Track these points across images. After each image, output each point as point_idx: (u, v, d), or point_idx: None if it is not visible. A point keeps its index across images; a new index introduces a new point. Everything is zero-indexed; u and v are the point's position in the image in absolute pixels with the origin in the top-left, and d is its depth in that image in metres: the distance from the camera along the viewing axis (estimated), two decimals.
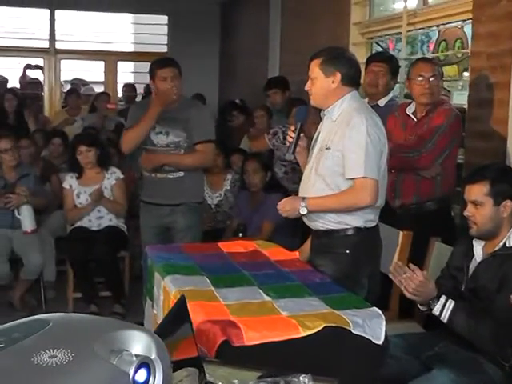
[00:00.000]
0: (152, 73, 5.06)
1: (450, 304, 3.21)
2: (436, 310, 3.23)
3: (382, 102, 5.22)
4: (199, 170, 5.35)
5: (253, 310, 2.98)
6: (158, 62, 5.12)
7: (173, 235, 5.22)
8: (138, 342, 1.41)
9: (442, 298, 3.22)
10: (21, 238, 5.92)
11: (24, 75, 11.28)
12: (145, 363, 1.38)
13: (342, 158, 3.55)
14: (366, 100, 5.23)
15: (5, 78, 11.36)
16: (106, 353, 1.35)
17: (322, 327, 2.78)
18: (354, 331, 2.84)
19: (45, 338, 1.41)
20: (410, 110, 4.73)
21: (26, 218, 5.92)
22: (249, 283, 3.40)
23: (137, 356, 1.37)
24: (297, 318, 2.85)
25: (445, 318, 3.21)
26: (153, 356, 1.41)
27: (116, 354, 1.35)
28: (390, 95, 5.38)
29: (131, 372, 1.34)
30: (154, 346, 1.42)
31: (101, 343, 1.37)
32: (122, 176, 6.20)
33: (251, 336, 2.74)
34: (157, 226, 5.25)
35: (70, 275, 6.04)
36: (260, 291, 3.25)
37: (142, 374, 1.38)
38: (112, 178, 6.17)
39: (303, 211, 3.63)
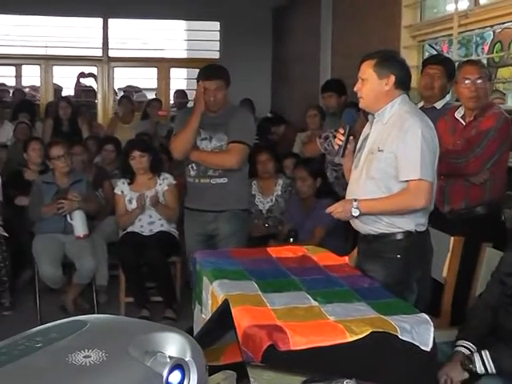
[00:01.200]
0: (198, 80, 5.08)
1: (486, 354, 3.07)
2: (480, 370, 3.07)
3: (438, 105, 5.12)
4: (243, 175, 5.32)
5: (300, 315, 2.96)
6: (204, 72, 5.10)
7: (216, 242, 5.18)
8: (173, 344, 1.41)
9: (475, 356, 3.09)
10: (73, 242, 5.99)
11: (78, 83, 11.46)
12: (179, 365, 1.37)
13: (395, 160, 3.50)
14: (422, 103, 5.17)
15: (60, 86, 11.58)
16: (140, 354, 1.34)
17: (368, 332, 2.75)
18: (401, 337, 2.79)
19: (81, 338, 1.41)
20: (458, 114, 4.64)
21: (78, 223, 5.98)
22: (297, 288, 3.38)
23: (171, 358, 1.36)
24: (344, 323, 2.82)
25: (492, 369, 3.05)
26: (187, 358, 1.40)
27: (150, 355, 1.35)
28: (447, 98, 5.28)
29: (165, 374, 1.34)
30: (188, 348, 1.41)
31: (135, 344, 1.36)
32: (174, 182, 6.22)
33: (297, 341, 2.71)
34: (200, 232, 5.21)
35: (122, 280, 6.07)
36: (308, 296, 3.23)
37: (175, 376, 1.37)
38: (164, 184, 6.19)
39: (355, 213, 3.58)
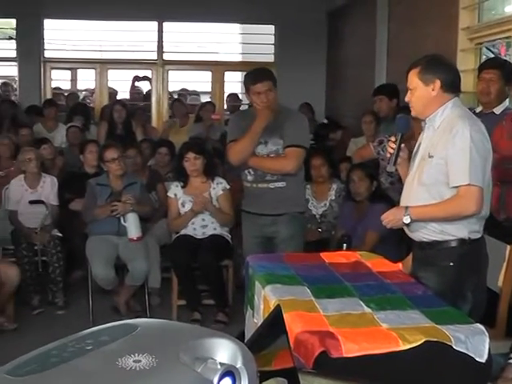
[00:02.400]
0: (246, 86, 5.06)
1: None
2: None
3: (497, 110, 5.00)
4: (300, 178, 5.30)
5: (352, 322, 2.93)
6: (251, 76, 5.07)
7: (275, 245, 5.18)
8: (224, 351, 1.39)
9: None
10: (126, 244, 6.03)
11: (133, 86, 11.55)
12: (230, 372, 1.35)
13: (446, 166, 3.45)
14: (480, 108, 5.08)
15: (114, 89, 11.69)
16: (190, 360, 1.33)
17: (422, 341, 2.70)
18: (455, 347, 2.73)
19: (131, 342, 1.41)
20: None
21: (132, 225, 6.02)
22: (350, 294, 3.35)
23: (222, 364, 1.35)
24: (397, 331, 2.77)
25: None
26: (238, 365, 1.38)
27: (201, 361, 1.34)
28: (507, 102, 5.14)
29: (215, 380, 1.32)
30: (239, 354, 1.39)
31: (186, 350, 1.35)
32: (228, 186, 6.21)
33: (350, 348, 2.68)
34: (259, 235, 5.22)
35: (175, 282, 6.08)
36: (361, 302, 3.20)
37: (226, 383, 1.35)
38: (218, 188, 6.18)
39: (407, 220, 3.54)
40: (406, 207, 3.58)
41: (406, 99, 3.68)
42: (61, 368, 1.38)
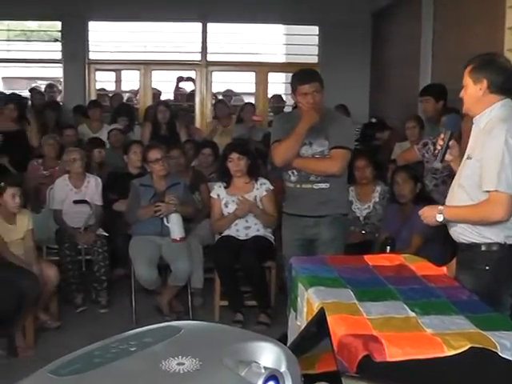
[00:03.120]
0: (293, 86, 5.03)
1: None
2: None
3: None
4: (344, 180, 5.27)
5: (396, 326, 2.90)
6: (299, 77, 5.04)
7: (316, 247, 5.14)
8: (268, 354, 1.38)
9: None
10: (169, 245, 6.05)
11: (177, 87, 11.60)
12: (273, 376, 1.34)
13: (481, 168, 3.41)
14: None
15: (158, 90, 11.75)
16: (234, 363, 1.32)
17: (467, 348, 2.66)
18: (501, 354, 2.68)
19: (175, 344, 1.40)
20: None
21: (175, 226, 6.04)
22: (394, 298, 3.31)
23: (266, 368, 1.33)
24: (442, 337, 2.73)
25: None
26: (282, 369, 1.37)
27: (244, 365, 1.32)
28: None
29: None
30: (284, 358, 1.38)
31: (230, 353, 1.34)
32: (271, 187, 6.20)
33: (393, 352, 2.65)
34: (300, 238, 5.17)
35: (218, 283, 6.09)
36: (405, 306, 3.16)
37: None
38: (262, 189, 6.17)
39: (439, 218, 3.54)
40: (441, 206, 3.57)
41: (460, 95, 3.66)
42: (104, 369, 1.38)
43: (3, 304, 4.90)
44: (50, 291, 5.83)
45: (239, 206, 6.03)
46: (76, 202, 6.65)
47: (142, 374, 1.31)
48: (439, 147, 3.72)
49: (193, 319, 5.85)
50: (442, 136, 3.73)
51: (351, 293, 3.35)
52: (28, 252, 5.73)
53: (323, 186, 5.03)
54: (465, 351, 2.65)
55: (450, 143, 3.71)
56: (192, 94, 11.75)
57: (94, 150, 7.63)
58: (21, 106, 8.46)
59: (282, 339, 2.00)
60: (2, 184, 5.64)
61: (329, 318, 2.69)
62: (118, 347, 1.43)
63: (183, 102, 11.36)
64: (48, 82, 12.86)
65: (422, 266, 3.96)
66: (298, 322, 3.62)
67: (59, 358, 1.50)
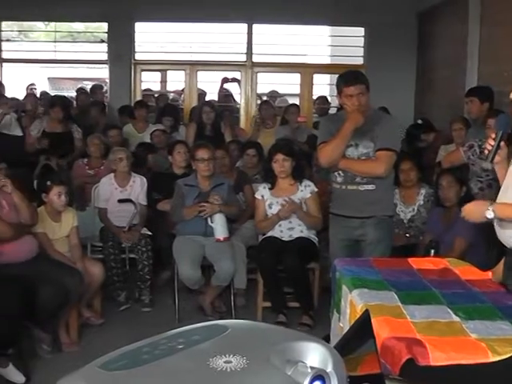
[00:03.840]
0: (338, 88, 5.03)
1: None
2: None
3: None
4: (390, 182, 5.25)
5: (440, 330, 2.89)
6: (344, 79, 5.03)
7: (362, 248, 5.15)
8: (315, 354, 1.38)
9: None
10: (213, 245, 6.08)
11: (221, 88, 11.63)
12: (320, 376, 1.35)
13: None
14: None
15: (203, 91, 11.79)
16: (281, 362, 1.33)
17: None
18: None
19: (222, 342, 1.41)
20: None
21: (219, 226, 6.07)
22: (437, 301, 3.30)
23: (312, 368, 1.34)
24: (486, 342, 2.71)
25: None
26: (328, 369, 1.37)
27: (291, 364, 1.33)
28: None
29: None
30: (330, 359, 1.38)
31: (277, 352, 1.35)
32: (316, 189, 6.20)
33: (437, 356, 2.64)
34: (346, 238, 5.19)
35: (260, 284, 6.10)
36: (449, 310, 3.15)
37: None
38: (306, 191, 6.17)
39: (489, 215, 3.43)
40: (492, 202, 3.49)
41: (510, 97, 3.60)
42: (152, 365, 1.39)
43: (48, 301, 4.97)
44: (95, 288, 5.90)
45: (283, 208, 6.04)
46: (121, 201, 6.71)
47: (189, 371, 1.33)
48: (490, 147, 3.66)
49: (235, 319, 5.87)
50: (492, 136, 3.68)
51: (395, 295, 3.35)
52: (73, 249, 5.80)
53: (369, 187, 5.03)
54: (510, 357, 2.62)
55: (501, 144, 3.66)
56: (237, 94, 11.77)
57: (148, 154, 7.68)
58: (66, 107, 8.55)
59: (324, 341, 1.99)
60: (48, 183, 5.72)
61: (372, 321, 2.68)
62: (166, 344, 1.45)
63: (228, 103, 11.38)
64: (94, 82, 12.99)
65: (466, 271, 3.94)
66: (341, 324, 3.62)
67: (108, 353, 1.52)
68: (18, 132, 8.57)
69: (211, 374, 1.30)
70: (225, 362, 1.31)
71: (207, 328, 1.50)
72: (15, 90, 11.27)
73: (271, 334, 1.49)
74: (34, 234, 5.46)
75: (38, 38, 14.11)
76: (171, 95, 12.42)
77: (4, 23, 12.10)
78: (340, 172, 5.10)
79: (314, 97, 11.73)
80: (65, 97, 9.86)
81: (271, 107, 9.83)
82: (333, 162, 5.04)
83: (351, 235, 5.17)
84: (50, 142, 8.12)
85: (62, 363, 5.05)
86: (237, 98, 11.77)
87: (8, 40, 12.33)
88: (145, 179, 6.90)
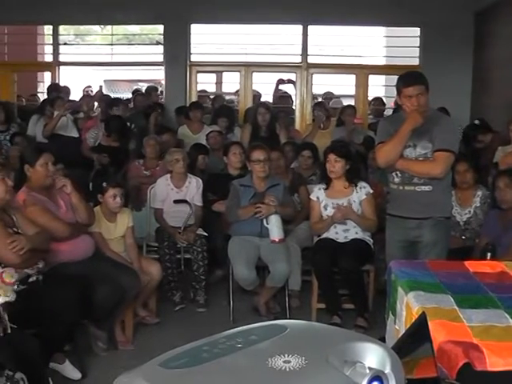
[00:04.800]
0: (398, 89, 5.01)
1: None
2: None
3: None
4: (447, 183, 5.21)
5: (497, 335, 2.86)
6: (404, 79, 5.01)
7: (418, 250, 5.10)
8: (373, 355, 1.39)
9: None
10: (268, 246, 6.09)
11: (277, 89, 11.64)
12: (378, 377, 1.35)
13: None
14: None
15: (258, 92, 11.81)
16: (339, 363, 1.34)
17: None
18: None
19: (281, 342, 1.43)
20: None
21: (274, 227, 6.07)
22: (494, 305, 3.27)
23: (370, 369, 1.35)
24: None
25: None
26: (387, 370, 1.38)
27: (349, 365, 1.34)
28: None
29: None
30: (388, 360, 1.39)
31: (335, 353, 1.36)
32: (371, 191, 6.17)
33: (494, 361, 2.61)
34: (402, 239, 5.16)
35: (315, 285, 6.09)
36: (506, 315, 3.12)
37: None
38: (361, 193, 6.14)
39: None
40: None
41: None
42: (211, 364, 1.41)
43: (104, 299, 5.04)
44: (153, 287, 5.95)
45: (336, 214, 6.02)
46: (176, 201, 6.77)
47: (248, 370, 1.34)
48: None
49: None
50: None
51: (451, 299, 3.33)
52: (128, 249, 5.87)
53: (426, 188, 5.00)
54: None
55: None
56: (291, 96, 11.75)
57: (198, 155, 7.75)
58: (122, 132, 8.64)
59: None
60: (104, 184, 5.81)
61: (429, 324, 2.67)
62: (226, 343, 1.46)
63: (283, 104, 11.38)
64: (149, 84, 13.13)
65: None
66: (397, 327, 3.60)
67: (168, 352, 1.55)
68: (75, 133, 8.72)
69: (270, 373, 1.31)
70: (284, 362, 1.32)
71: (266, 327, 1.51)
72: (72, 92, 11.45)
73: (329, 334, 1.50)
74: (90, 233, 5.54)
75: (95, 41, 14.31)
76: (227, 97, 12.47)
77: (62, 27, 12.31)
78: (397, 172, 5.07)
79: (369, 98, 11.67)
80: (121, 99, 9.97)
81: (325, 108, 9.81)
82: (390, 162, 5.02)
83: (408, 236, 5.13)
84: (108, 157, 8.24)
85: (117, 361, 5.13)
86: (292, 98, 11.76)
87: (65, 43, 12.54)
88: (200, 180, 6.94)
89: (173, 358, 1.48)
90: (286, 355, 1.34)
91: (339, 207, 6.02)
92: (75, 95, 11.28)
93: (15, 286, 4.00)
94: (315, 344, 1.40)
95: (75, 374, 4.83)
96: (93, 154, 8.40)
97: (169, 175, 6.93)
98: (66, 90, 11.08)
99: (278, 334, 1.45)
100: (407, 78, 5.04)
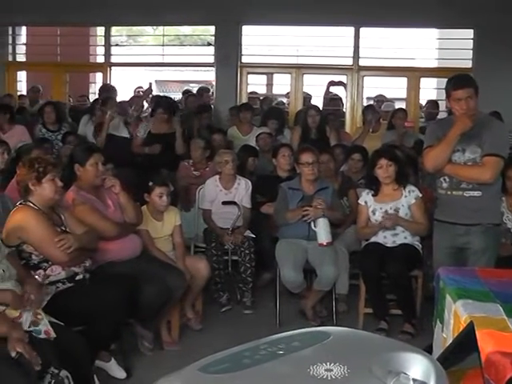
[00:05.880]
0: (447, 92, 4.94)
1: None
2: None
3: None
4: (497, 189, 5.11)
5: None
6: (453, 82, 4.93)
7: (466, 257, 5.01)
8: (417, 366, 1.36)
9: None
10: (316, 249, 6.05)
11: (327, 92, 11.58)
12: None
13: None
14: None
15: (309, 94, 11.77)
16: (382, 373, 1.31)
17: None
18: None
19: (323, 350, 1.40)
20: None
21: (322, 230, 6.03)
22: None
23: (414, 380, 1.31)
24: None
25: None
26: (431, 382, 1.34)
27: (393, 375, 1.31)
28: None
29: None
30: (433, 371, 1.35)
31: (378, 363, 1.33)
32: (420, 195, 6.08)
33: None
34: (450, 246, 5.07)
35: (363, 290, 6.03)
36: None
37: None
38: (411, 197, 6.07)
39: None
40: None
41: None
42: (252, 370, 1.39)
43: (151, 299, 5.05)
44: (200, 286, 5.95)
45: (385, 221, 5.95)
46: (225, 203, 6.77)
47: (290, 377, 1.32)
48: None
49: (336, 325, 5.83)
50: None
51: (501, 308, 3.26)
52: (177, 247, 5.90)
53: (475, 193, 4.91)
54: None
55: None
56: (341, 98, 11.69)
57: (248, 157, 7.75)
58: (171, 109, 8.66)
59: (426, 351, 1.94)
60: (151, 183, 5.83)
61: (476, 333, 2.62)
62: (267, 349, 1.45)
63: (334, 107, 11.32)
64: (200, 85, 13.18)
65: None
66: (444, 335, 3.55)
67: (208, 356, 1.53)
68: (125, 134, 8.78)
69: (312, 381, 1.29)
70: (325, 370, 1.30)
71: (309, 334, 1.49)
72: (123, 93, 11.55)
73: (373, 343, 1.47)
74: (137, 232, 5.57)
75: (146, 42, 14.44)
76: (278, 98, 12.45)
77: (114, 28, 12.45)
78: (445, 177, 5.00)
79: (421, 101, 11.55)
80: (169, 97, 10.01)
81: (375, 111, 9.73)
82: (438, 166, 4.95)
83: (456, 243, 5.05)
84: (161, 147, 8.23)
85: (162, 361, 5.14)
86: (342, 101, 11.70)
87: (117, 45, 12.67)
88: (249, 182, 6.94)
89: (213, 362, 1.47)
90: (329, 363, 1.32)
91: (389, 215, 5.96)
92: (126, 96, 11.35)
93: (23, 318, 3.93)
94: (358, 353, 1.37)
95: (120, 373, 4.86)
96: (144, 148, 8.36)
97: (218, 176, 6.94)
98: (114, 91, 11.19)
99: (320, 341, 1.43)
100: (456, 80, 4.96)
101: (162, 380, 1.45)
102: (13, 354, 3.47)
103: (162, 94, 11.70)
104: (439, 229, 5.22)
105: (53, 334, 3.85)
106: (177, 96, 12.83)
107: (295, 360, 1.38)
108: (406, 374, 1.33)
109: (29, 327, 3.79)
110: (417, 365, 1.36)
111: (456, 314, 3.27)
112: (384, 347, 1.41)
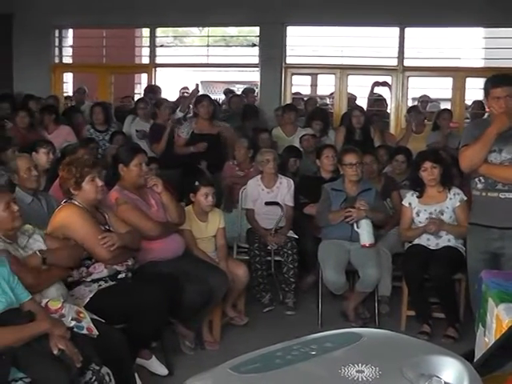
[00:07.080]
0: (486, 90, 4.84)
1: None
2: None
3: None
4: None
5: None
6: (492, 80, 4.84)
7: (501, 264, 4.84)
8: (450, 370, 1.33)
9: None
10: (358, 250, 6.02)
11: (371, 92, 11.52)
12: None
13: None
14: None
15: (353, 95, 11.72)
16: (414, 376, 1.29)
17: None
18: None
19: (355, 351, 1.39)
20: None
21: (365, 232, 6.00)
22: None
23: None
24: None
25: None
26: None
27: (425, 378, 1.29)
28: None
29: None
30: (466, 375, 1.33)
31: (410, 365, 1.31)
32: (465, 198, 5.99)
33: None
34: (484, 250, 4.93)
35: (405, 292, 5.98)
36: None
37: None
38: (455, 200, 6.00)
39: None
40: None
41: None
42: (284, 370, 1.39)
43: (192, 299, 5.07)
44: (239, 290, 5.97)
45: (429, 226, 5.90)
46: (268, 203, 6.77)
47: (321, 378, 1.32)
48: None
49: (379, 327, 5.79)
50: None
51: None
52: (219, 249, 5.92)
53: (511, 195, 4.79)
54: None
55: None
56: (386, 99, 11.61)
57: (290, 158, 7.74)
58: (211, 104, 8.65)
59: (468, 355, 1.92)
60: (196, 183, 5.86)
61: None
62: (299, 350, 1.44)
63: (377, 108, 11.25)
64: (245, 85, 13.21)
65: None
66: (486, 339, 3.49)
67: (240, 356, 1.53)
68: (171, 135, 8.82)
69: (343, 382, 1.28)
70: (357, 372, 1.29)
71: (341, 335, 1.48)
72: (168, 94, 11.62)
73: (406, 345, 1.45)
74: (180, 232, 5.59)
75: (192, 43, 14.50)
76: (321, 99, 12.41)
77: (159, 29, 12.54)
78: (481, 178, 4.88)
79: (467, 101, 11.42)
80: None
81: (420, 112, 9.64)
82: (474, 166, 4.83)
83: (489, 247, 4.89)
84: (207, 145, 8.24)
85: (203, 361, 5.16)
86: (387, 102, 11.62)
87: (162, 46, 12.76)
88: (292, 181, 6.93)
89: (245, 362, 1.46)
90: (360, 365, 1.30)
91: (433, 220, 5.90)
92: (171, 96, 11.42)
93: (65, 311, 3.96)
94: (390, 355, 1.36)
95: (162, 370, 4.89)
96: (188, 148, 8.34)
97: (259, 176, 6.95)
98: (159, 91, 11.27)
99: (352, 342, 1.42)
100: (496, 78, 4.86)
101: (193, 379, 1.46)
102: (55, 352, 3.51)
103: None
104: (472, 233, 5.09)
105: (95, 332, 3.89)
106: (221, 97, 12.87)
107: (327, 361, 1.37)
108: (438, 377, 1.31)
109: (71, 323, 3.83)
110: (450, 368, 1.34)
111: (498, 318, 3.22)
112: (417, 349, 1.40)
